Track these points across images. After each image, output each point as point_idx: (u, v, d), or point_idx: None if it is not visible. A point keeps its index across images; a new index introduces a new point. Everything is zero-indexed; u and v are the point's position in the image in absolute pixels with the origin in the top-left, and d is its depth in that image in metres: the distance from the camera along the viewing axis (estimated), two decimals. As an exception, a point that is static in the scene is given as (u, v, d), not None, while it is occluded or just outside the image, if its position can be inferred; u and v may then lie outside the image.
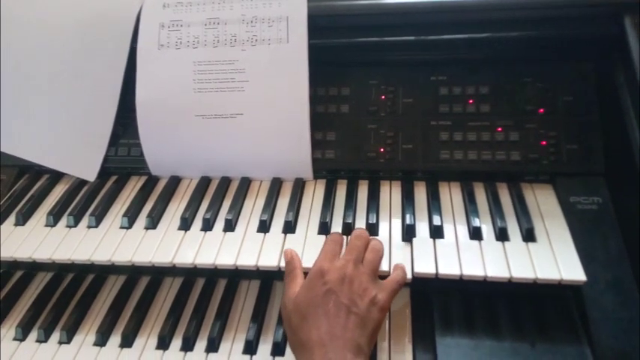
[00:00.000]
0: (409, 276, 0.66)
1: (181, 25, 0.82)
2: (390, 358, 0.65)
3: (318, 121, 0.82)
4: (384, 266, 0.68)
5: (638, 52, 0.71)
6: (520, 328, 0.66)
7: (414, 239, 0.71)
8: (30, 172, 0.90)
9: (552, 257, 0.66)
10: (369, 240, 0.69)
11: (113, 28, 0.85)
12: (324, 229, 0.74)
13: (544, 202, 0.75)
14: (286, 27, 0.80)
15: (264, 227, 0.75)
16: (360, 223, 0.75)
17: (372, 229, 0.73)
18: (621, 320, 0.63)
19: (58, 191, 0.86)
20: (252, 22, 0.81)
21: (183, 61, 0.81)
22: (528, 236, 0.69)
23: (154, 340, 0.71)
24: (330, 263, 0.63)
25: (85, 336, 0.72)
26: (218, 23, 0.81)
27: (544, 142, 0.77)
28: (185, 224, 0.76)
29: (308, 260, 0.68)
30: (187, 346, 0.69)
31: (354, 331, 0.57)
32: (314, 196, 0.80)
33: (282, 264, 0.69)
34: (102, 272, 0.81)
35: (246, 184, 0.83)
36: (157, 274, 0.80)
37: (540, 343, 0.63)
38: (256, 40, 0.80)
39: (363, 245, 0.67)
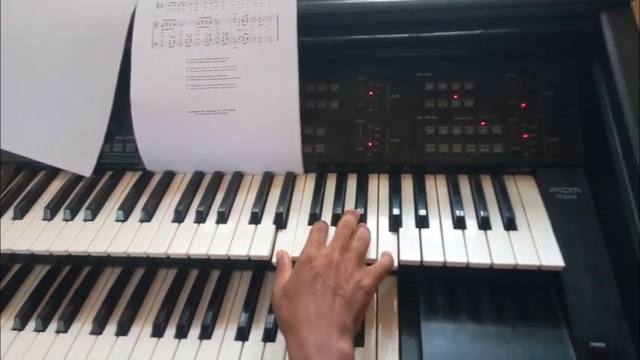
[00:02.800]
0: (395, 263, 0.69)
1: (174, 24, 0.84)
2: (378, 343, 0.67)
3: (308, 117, 0.85)
4: (372, 254, 0.70)
5: (614, 48, 0.74)
6: (502, 313, 0.68)
7: (401, 229, 0.73)
8: (27, 168, 0.92)
9: (532, 244, 0.69)
10: (357, 228, 0.71)
11: (108, 27, 0.87)
12: (314, 220, 0.76)
13: (525, 192, 0.77)
14: (276, 25, 0.82)
15: (255, 219, 0.77)
16: (349, 215, 0.77)
17: (361, 219, 0.75)
18: (597, 304, 0.66)
19: (55, 186, 0.88)
20: (243, 20, 0.83)
21: (177, 58, 0.83)
22: (509, 225, 0.72)
23: (148, 329, 0.73)
24: (317, 250, 0.66)
25: (82, 325, 0.74)
26: (210, 22, 0.84)
27: (526, 136, 0.80)
28: (179, 217, 0.78)
29: (298, 250, 0.70)
30: (181, 333, 0.71)
31: (340, 311, 0.59)
32: (304, 189, 0.83)
33: (274, 254, 0.72)
34: (98, 264, 0.83)
35: (238, 178, 0.85)
36: (152, 265, 0.82)
37: (521, 327, 0.66)
38: (247, 39, 0.83)
39: (349, 233, 0.70)
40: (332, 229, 0.74)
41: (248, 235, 0.75)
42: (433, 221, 0.74)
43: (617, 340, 0.63)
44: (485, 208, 0.74)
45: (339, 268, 0.63)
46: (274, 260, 0.71)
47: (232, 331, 0.71)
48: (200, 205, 0.79)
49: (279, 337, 0.70)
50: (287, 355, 0.65)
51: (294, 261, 0.69)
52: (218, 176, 0.86)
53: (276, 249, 0.72)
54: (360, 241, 0.69)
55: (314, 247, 0.67)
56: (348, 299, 0.61)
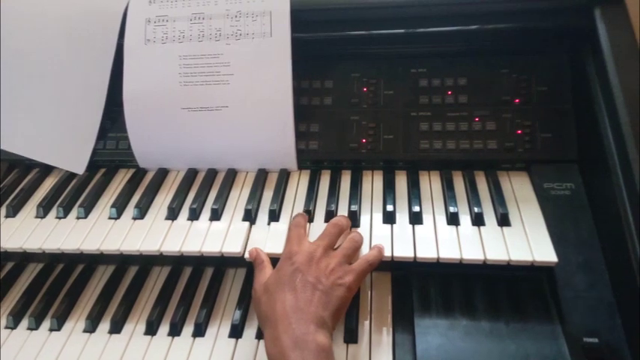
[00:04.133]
0: (387, 254, 0.68)
1: (167, 21, 0.84)
2: (371, 339, 0.67)
3: (302, 113, 0.85)
4: (365, 252, 0.70)
5: (607, 43, 0.74)
6: (495, 308, 0.68)
7: (394, 225, 0.73)
8: (20, 166, 0.92)
9: (525, 240, 0.69)
10: (346, 229, 0.71)
11: (100, 23, 0.87)
12: (308, 217, 0.76)
13: (519, 188, 0.77)
14: (270, 21, 0.82)
15: (249, 216, 0.77)
16: (343, 211, 0.77)
17: (354, 216, 0.75)
18: (591, 299, 0.65)
19: (48, 184, 0.88)
20: (236, 16, 0.83)
21: (169, 55, 0.83)
22: (503, 221, 0.72)
23: (142, 326, 0.72)
24: (298, 246, 0.66)
25: (75, 323, 0.74)
26: (203, 18, 0.83)
27: (519, 131, 0.80)
28: (172, 214, 0.78)
29: (291, 247, 0.71)
30: (175, 331, 0.71)
31: (319, 305, 0.60)
32: (298, 186, 0.83)
33: (267, 251, 0.71)
34: (91, 262, 0.83)
35: (232, 175, 0.85)
36: (145, 263, 0.82)
37: (514, 322, 0.66)
38: (240, 35, 0.82)
39: (338, 233, 0.69)
40: (323, 226, 0.73)
41: (242, 232, 0.74)
42: (427, 217, 0.74)
43: (610, 335, 0.63)
44: (478, 204, 0.74)
45: (319, 263, 0.64)
46: (247, 256, 0.71)
47: (226, 329, 0.71)
48: (193, 202, 0.79)
49: (273, 334, 0.69)
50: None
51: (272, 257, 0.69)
52: (211, 173, 0.86)
53: (270, 246, 0.72)
54: (350, 242, 0.69)
55: (295, 243, 0.67)
56: (326, 294, 0.61)
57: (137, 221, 0.78)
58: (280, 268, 0.65)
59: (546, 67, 0.82)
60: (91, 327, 0.73)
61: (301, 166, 0.85)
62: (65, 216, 0.80)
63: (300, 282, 0.61)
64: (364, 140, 0.84)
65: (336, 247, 0.69)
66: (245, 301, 0.74)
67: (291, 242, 0.68)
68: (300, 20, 0.82)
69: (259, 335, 0.70)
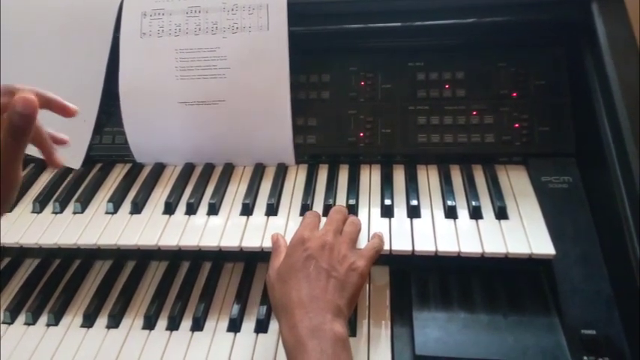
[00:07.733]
0: (386, 247, 0.69)
1: (163, 14, 0.83)
2: (370, 333, 0.67)
3: (300, 108, 0.84)
4: (363, 244, 0.70)
5: (605, 37, 0.74)
6: (493, 301, 0.68)
7: (392, 219, 0.73)
8: (15, 161, 0.91)
9: (523, 233, 0.69)
10: (348, 215, 0.71)
11: (96, 17, 0.86)
12: (305, 211, 0.76)
13: (517, 182, 0.77)
14: (266, 14, 0.81)
15: (247, 210, 0.77)
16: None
17: (352, 210, 0.75)
18: (588, 292, 0.66)
19: (44, 179, 0.87)
20: (232, 9, 0.82)
21: (166, 48, 0.83)
22: (501, 214, 0.72)
23: (140, 321, 0.72)
24: (310, 232, 0.66)
25: (73, 318, 0.74)
26: (199, 11, 0.83)
27: (517, 125, 0.80)
28: (169, 208, 0.78)
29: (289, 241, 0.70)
30: (173, 325, 0.71)
31: (334, 293, 0.59)
32: (296, 181, 0.82)
33: (265, 245, 0.71)
34: (88, 257, 0.82)
35: (229, 169, 0.85)
36: (143, 258, 0.81)
37: (512, 315, 0.66)
38: (237, 28, 0.82)
39: (342, 218, 0.70)
40: (323, 220, 0.73)
41: (239, 227, 0.74)
42: (425, 211, 0.74)
43: (607, 327, 0.63)
44: (476, 197, 0.74)
45: (332, 249, 0.63)
46: (268, 245, 0.70)
47: (224, 323, 0.71)
48: (191, 196, 0.79)
49: (271, 327, 0.69)
50: (279, 345, 0.65)
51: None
52: (209, 168, 0.85)
53: (268, 240, 0.72)
54: (352, 226, 0.69)
55: (307, 229, 0.67)
56: (341, 281, 0.60)
57: (134, 216, 0.78)
58: (292, 254, 0.64)
59: (544, 61, 0.82)
60: (89, 322, 0.72)
61: (299, 161, 0.85)
62: (62, 211, 0.80)
63: (314, 269, 0.60)
64: (362, 134, 0.84)
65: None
66: (243, 295, 0.74)
67: (304, 228, 0.67)
68: (296, 13, 0.82)
69: (258, 329, 0.70)
